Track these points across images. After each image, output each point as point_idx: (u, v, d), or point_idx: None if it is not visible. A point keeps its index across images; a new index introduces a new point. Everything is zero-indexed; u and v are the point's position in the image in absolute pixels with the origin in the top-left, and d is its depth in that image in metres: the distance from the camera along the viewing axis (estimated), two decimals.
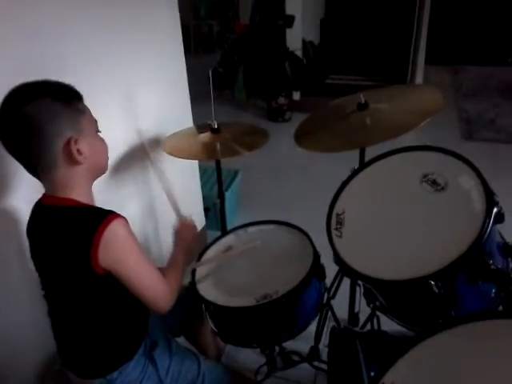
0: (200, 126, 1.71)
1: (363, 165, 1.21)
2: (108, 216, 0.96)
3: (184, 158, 1.55)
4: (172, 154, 1.54)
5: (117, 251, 0.97)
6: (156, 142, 1.86)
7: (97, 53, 1.48)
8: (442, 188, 1.03)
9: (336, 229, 1.10)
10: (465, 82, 4.89)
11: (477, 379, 0.70)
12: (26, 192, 1.08)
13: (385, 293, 1.08)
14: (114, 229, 0.95)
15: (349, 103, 1.41)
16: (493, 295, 1.03)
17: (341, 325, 1.74)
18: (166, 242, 2.06)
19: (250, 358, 1.77)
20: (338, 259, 1.05)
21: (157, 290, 1.07)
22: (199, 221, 2.40)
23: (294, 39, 3.91)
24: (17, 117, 0.92)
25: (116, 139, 1.60)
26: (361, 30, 4.49)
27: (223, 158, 1.57)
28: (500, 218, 0.97)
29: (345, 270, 1.02)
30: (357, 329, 1.73)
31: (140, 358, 1.13)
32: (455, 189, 1.01)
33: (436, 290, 0.91)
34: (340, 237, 1.08)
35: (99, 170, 1.09)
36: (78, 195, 1.01)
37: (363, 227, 1.09)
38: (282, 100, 3.98)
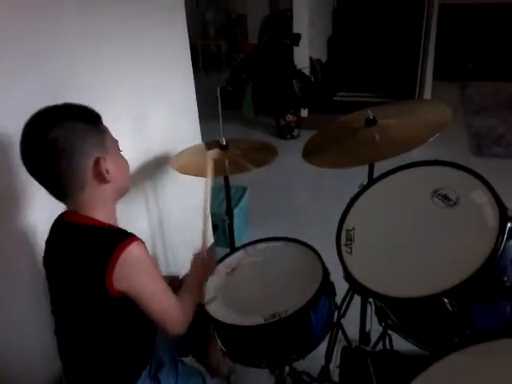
0: (208, 143, 1.72)
1: (372, 180, 1.20)
2: (127, 238, 0.96)
3: (192, 175, 1.55)
4: (180, 171, 1.55)
5: (133, 274, 0.97)
6: (165, 159, 1.87)
7: (108, 71, 1.50)
8: (454, 203, 1.01)
9: (346, 245, 1.08)
10: (473, 97, 4.88)
11: None
12: (43, 206, 1.09)
13: (396, 311, 1.06)
14: (131, 251, 0.95)
15: (357, 119, 1.41)
16: (508, 313, 1.00)
17: (352, 344, 1.71)
18: (173, 260, 2.05)
19: (259, 377, 1.73)
20: (348, 276, 1.03)
21: (172, 315, 1.07)
22: (208, 239, 2.38)
23: (302, 57, 3.95)
24: (42, 142, 0.93)
25: (126, 156, 1.61)
26: (368, 47, 4.53)
27: (232, 174, 1.57)
28: None
29: (355, 287, 1.00)
30: (368, 348, 1.69)
31: (145, 380, 1.12)
32: (467, 204, 0.99)
33: (450, 308, 0.89)
34: (350, 253, 1.07)
35: (124, 189, 1.10)
36: (101, 215, 1.02)
37: (374, 243, 1.08)
38: (290, 117, 4.00)
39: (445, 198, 1.02)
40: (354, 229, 1.11)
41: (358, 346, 1.20)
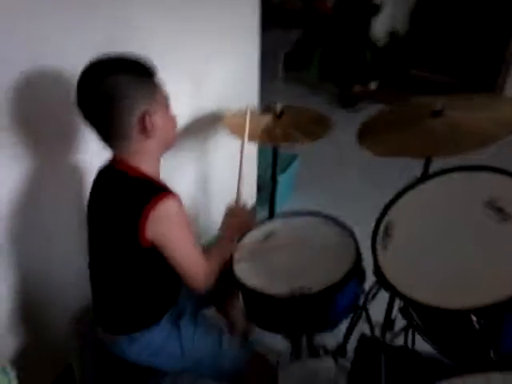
0: (265, 108, 1.70)
1: (425, 176, 1.14)
2: (162, 192, 1.00)
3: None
4: (232, 133, 1.54)
5: (164, 227, 1.01)
6: (218, 116, 1.87)
7: (169, 20, 1.49)
8: (508, 218, 0.94)
9: (382, 239, 1.05)
10: None
11: None
12: (95, 146, 1.15)
13: (421, 314, 1.03)
14: (165, 205, 0.99)
15: (422, 107, 1.32)
16: None
17: (374, 329, 1.70)
18: (216, 215, 2.10)
19: (276, 344, 1.78)
20: (377, 271, 1.01)
21: (197, 271, 1.12)
22: (251, 197, 2.42)
23: (379, 28, 3.74)
24: (94, 91, 0.98)
25: (181, 110, 1.63)
26: (454, 25, 4.16)
27: (282, 143, 1.55)
28: None
29: (382, 283, 0.98)
30: (389, 337, 1.68)
31: (166, 325, 1.19)
32: None
33: (477, 326, 0.85)
34: (385, 248, 1.04)
35: (168, 145, 1.13)
36: (146, 166, 1.06)
37: (412, 243, 1.04)
38: (357, 88, 3.84)
39: (499, 210, 0.96)
40: (394, 224, 1.07)
41: (376, 337, 1.19)
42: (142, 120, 1.01)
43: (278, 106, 1.59)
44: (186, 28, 1.58)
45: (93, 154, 1.27)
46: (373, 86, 4.03)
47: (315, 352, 1.73)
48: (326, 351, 1.72)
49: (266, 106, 1.76)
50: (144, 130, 1.02)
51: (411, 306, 1.01)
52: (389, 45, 3.82)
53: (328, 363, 1.67)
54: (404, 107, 1.44)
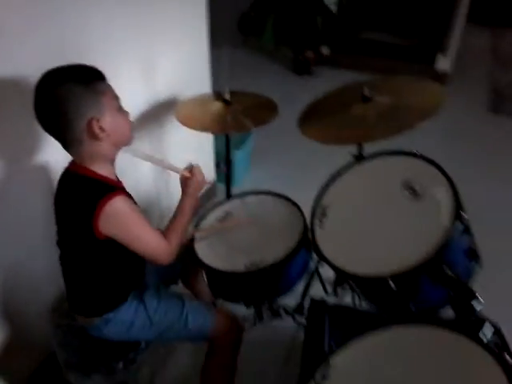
0: (215, 93, 1.78)
1: (356, 161, 1.29)
2: (111, 192, 1.10)
3: (196, 130, 1.65)
4: (184, 124, 1.63)
5: (116, 224, 1.12)
6: (172, 105, 1.95)
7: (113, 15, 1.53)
8: (419, 196, 1.12)
9: (320, 219, 1.22)
10: (503, 47, 4.64)
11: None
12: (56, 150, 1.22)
13: (354, 281, 1.22)
14: (113, 204, 1.09)
15: (354, 91, 1.46)
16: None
17: (327, 289, 1.92)
18: (176, 198, 2.21)
19: (240, 307, 1.95)
20: (315, 247, 1.18)
21: (158, 252, 1.23)
22: (210, 175, 2.52)
23: None
24: (46, 102, 1.07)
25: (133, 102, 1.70)
26: None
27: (232, 131, 1.66)
28: (467, 230, 1.07)
29: (320, 257, 1.15)
30: (340, 291, 1.90)
31: (132, 301, 1.32)
32: (429, 199, 1.10)
33: (394, 288, 1.04)
34: (321, 227, 1.20)
35: (123, 143, 1.21)
36: (98, 167, 1.16)
37: (344, 222, 1.21)
38: (309, 53, 3.91)
39: (412, 189, 1.13)
40: (329, 205, 1.23)
41: (323, 299, 1.37)
42: (90, 125, 1.09)
43: (227, 93, 1.68)
44: (133, 15, 1.62)
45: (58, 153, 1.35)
46: (324, 50, 4.11)
47: (276, 313, 1.93)
48: (286, 311, 1.93)
49: (214, 91, 1.84)
50: (93, 134, 1.10)
51: (344, 276, 1.19)
52: (339, 9, 3.87)
53: (287, 322, 1.88)
54: (338, 92, 1.57)
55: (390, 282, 1.03)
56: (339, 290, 1.93)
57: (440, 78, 3.80)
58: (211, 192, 2.52)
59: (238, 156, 2.49)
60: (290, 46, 4.07)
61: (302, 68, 4.02)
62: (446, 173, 1.11)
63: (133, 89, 1.71)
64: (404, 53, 4.09)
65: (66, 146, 1.14)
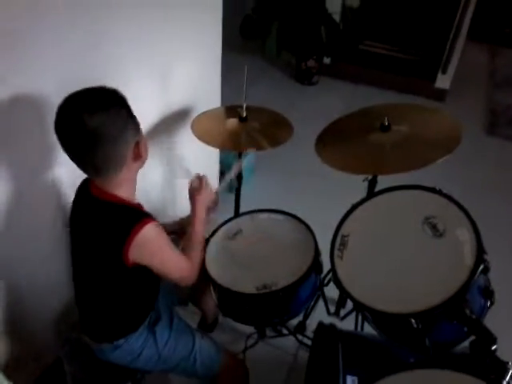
0: (229, 108, 1.76)
1: (376, 192, 1.30)
2: (142, 219, 1.08)
3: (212, 146, 1.64)
4: (201, 140, 1.61)
5: (147, 251, 1.11)
6: (184, 116, 1.93)
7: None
8: (441, 234, 1.13)
9: (339, 249, 1.22)
10: (501, 67, 4.71)
11: None
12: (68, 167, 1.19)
13: (371, 314, 1.22)
14: (145, 232, 1.07)
15: (372, 116, 1.46)
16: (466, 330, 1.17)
17: (329, 309, 1.93)
18: (183, 209, 2.20)
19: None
20: (334, 278, 1.18)
21: (183, 273, 1.24)
22: (213, 183, 2.50)
23: (334, 2, 3.78)
24: (84, 128, 0.96)
25: (147, 113, 1.67)
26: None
27: (247, 150, 1.65)
28: (485, 270, 1.09)
29: (341, 290, 1.16)
30: (343, 313, 1.91)
31: (143, 331, 1.30)
32: (452, 238, 1.11)
33: (415, 326, 1.05)
34: (341, 258, 1.21)
35: (143, 164, 1.18)
36: (123, 191, 1.12)
37: (363, 254, 1.21)
38: (311, 63, 3.92)
39: (434, 227, 1.14)
40: (349, 235, 1.23)
41: (333, 324, 1.38)
42: (137, 148, 1.06)
43: (244, 110, 1.66)
44: (148, 29, 1.59)
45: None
46: (326, 60, 4.11)
47: (278, 331, 1.94)
48: (288, 330, 1.94)
49: (229, 106, 1.82)
50: (137, 157, 1.07)
51: (363, 310, 1.19)
52: (342, 18, 3.88)
53: (289, 340, 1.89)
54: (354, 117, 1.58)
55: (412, 321, 1.04)
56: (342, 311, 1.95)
57: (439, 94, 3.85)
58: (215, 200, 2.51)
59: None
60: (293, 54, 4.06)
61: (304, 76, 4.02)
62: (468, 213, 1.12)
63: (145, 99, 1.69)
64: (404, 67, 4.12)
65: (98, 172, 1.06)
